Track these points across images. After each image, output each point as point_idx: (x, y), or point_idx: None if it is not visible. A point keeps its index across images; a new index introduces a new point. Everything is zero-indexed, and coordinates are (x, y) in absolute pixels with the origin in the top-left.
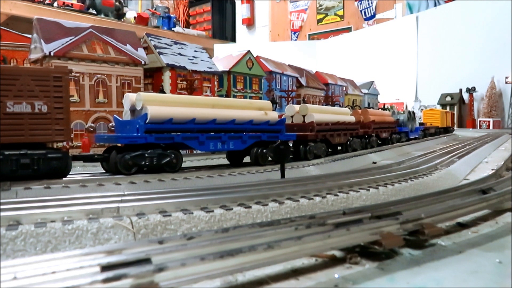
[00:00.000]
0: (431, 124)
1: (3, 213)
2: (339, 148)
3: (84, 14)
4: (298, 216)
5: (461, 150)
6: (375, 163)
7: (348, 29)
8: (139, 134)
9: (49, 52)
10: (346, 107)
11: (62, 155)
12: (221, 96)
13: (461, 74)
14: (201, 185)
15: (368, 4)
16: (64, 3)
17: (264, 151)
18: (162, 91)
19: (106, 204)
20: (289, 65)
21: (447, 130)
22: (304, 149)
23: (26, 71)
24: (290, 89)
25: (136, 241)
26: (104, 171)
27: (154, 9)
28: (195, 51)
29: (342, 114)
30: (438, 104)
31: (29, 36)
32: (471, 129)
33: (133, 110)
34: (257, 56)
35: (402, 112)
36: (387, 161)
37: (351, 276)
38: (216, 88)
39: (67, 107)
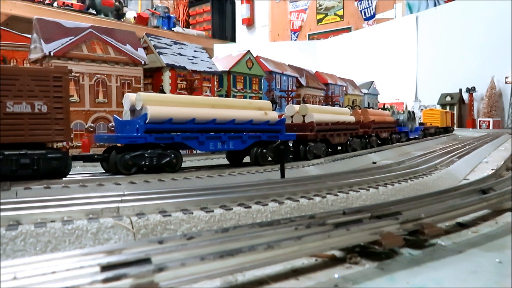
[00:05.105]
0: (431, 124)
1: (3, 213)
2: (339, 148)
3: (84, 14)
4: (298, 216)
5: (461, 150)
6: (375, 163)
7: (348, 29)
8: (139, 134)
9: (49, 52)
10: (346, 107)
11: (62, 155)
12: (221, 96)
13: (461, 74)
14: (201, 185)
15: (368, 4)
16: (64, 3)
17: (264, 151)
18: (162, 91)
19: (106, 204)
20: (289, 65)
21: (447, 130)
22: (304, 149)
23: (26, 71)
24: (290, 89)
25: (136, 241)
26: (104, 171)
27: (154, 9)
28: (195, 51)
29: (342, 114)
30: (438, 104)
31: (29, 36)
32: (471, 129)
33: (133, 110)
34: (257, 56)
35: (402, 112)
36: (387, 161)
37: (351, 276)
38: (216, 88)
39: (67, 107)
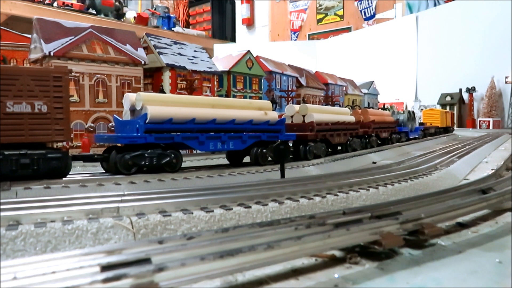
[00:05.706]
0: (431, 124)
1: (3, 213)
2: (339, 148)
3: (84, 14)
4: (298, 216)
5: (461, 150)
6: (375, 163)
7: (348, 29)
8: (139, 134)
9: (49, 52)
10: (346, 107)
11: (62, 155)
12: (221, 96)
13: (461, 74)
14: (201, 185)
15: (368, 4)
16: (64, 3)
17: (264, 151)
18: (162, 91)
19: (106, 204)
20: (289, 65)
21: (447, 130)
22: (304, 149)
23: (26, 71)
24: (290, 89)
25: (136, 241)
26: (104, 171)
27: (154, 9)
28: (195, 51)
29: (342, 114)
30: (438, 104)
31: (29, 36)
32: (471, 129)
33: (133, 110)
34: (257, 56)
35: (402, 112)
36: (387, 161)
37: (351, 276)
38: (216, 88)
39: (67, 107)
